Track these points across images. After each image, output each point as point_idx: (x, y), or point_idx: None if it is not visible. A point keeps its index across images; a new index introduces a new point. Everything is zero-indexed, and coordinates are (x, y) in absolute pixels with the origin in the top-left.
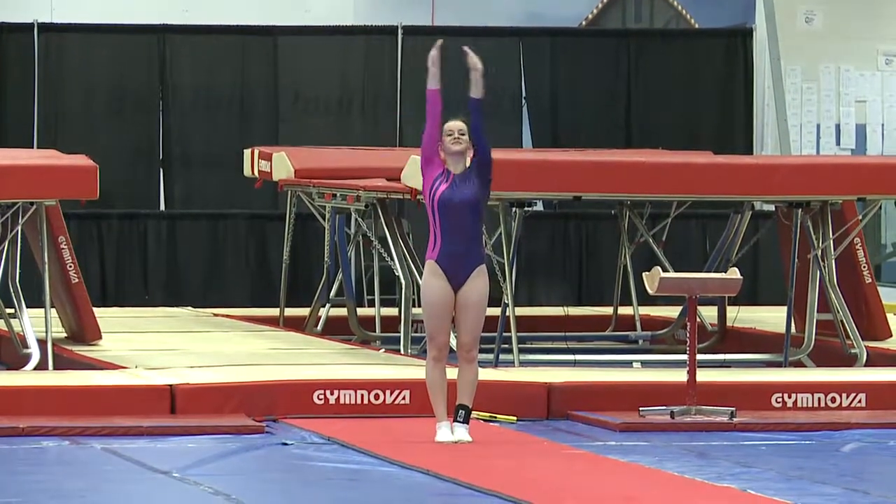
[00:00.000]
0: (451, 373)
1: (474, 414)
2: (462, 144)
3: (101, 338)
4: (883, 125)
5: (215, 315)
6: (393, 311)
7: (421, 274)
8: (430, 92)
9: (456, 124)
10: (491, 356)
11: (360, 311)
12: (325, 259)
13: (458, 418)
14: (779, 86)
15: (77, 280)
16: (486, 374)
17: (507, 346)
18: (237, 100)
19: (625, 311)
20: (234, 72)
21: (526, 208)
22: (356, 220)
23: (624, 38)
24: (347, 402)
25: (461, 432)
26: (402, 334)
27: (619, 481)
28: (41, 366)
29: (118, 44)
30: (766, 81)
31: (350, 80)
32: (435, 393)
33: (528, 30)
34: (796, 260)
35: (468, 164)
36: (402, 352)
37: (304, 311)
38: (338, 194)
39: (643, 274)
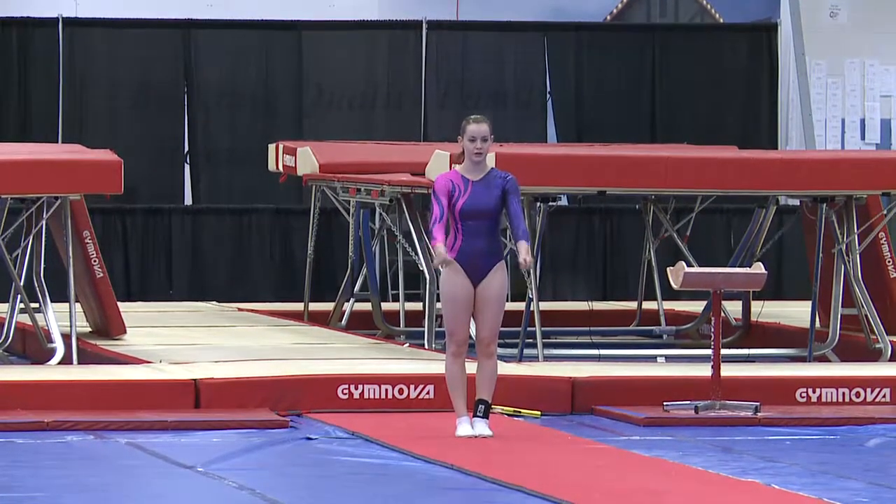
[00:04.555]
0: (471, 368)
1: (499, 409)
2: (482, 154)
3: (125, 332)
4: None
5: (240, 310)
6: (417, 306)
7: None
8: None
9: (480, 129)
10: (515, 351)
11: (385, 306)
12: (350, 254)
13: (478, 413)
14: (803, 80)
15: (102, 275)
16: (511, 369)
17: (531, 340)
18: (261, 94)
19: (649, 305)
20: (259, 66)
21: (550, 203)
22: (380, 214)
23: (649, 33)
24: (372, 396)
25: (481, 427)
26: (426, 329)
27: (643, 476)
28: (66, 360)
29: (142, 38)
30: (791, 76)
31: (374, 74)
32: (455, 388)
33: (553, 24)
34: (821, 255)
35: (487, 171)
36: (426, 346)
37: (328, 306)
38: (362, 189)
39: (667, 269)
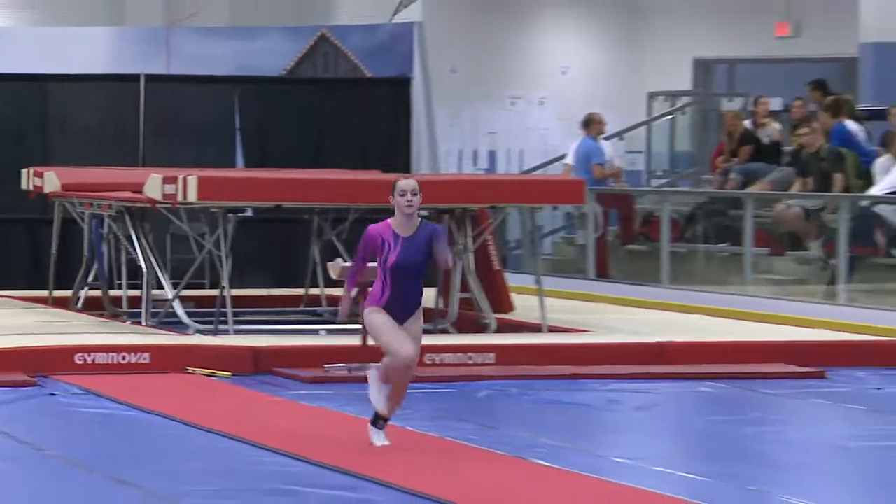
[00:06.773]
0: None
1: (199, 370)
2: (413, 206)
3: None
4: (508, 150)
5: None
6: (136, 293)
7: (158, 261)
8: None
9: (409, 184)
10: (212, 326)
11: (111, 293)
12: (85, 253)
13: (378, 426)
14: (431, 121)
15: None
16: (208, 340)
17: (224, 318)
18: (17, 130)
19: (314, 291)
20: (14, 109)
21: (239, 214)
22: (109, 223)
23: (315, 84)
24: (101, 362)
25: (381, 438)
26: (143, 310)
27: (309, 421)
28: None
29: None
30: (422, 117)
31: (105, 115)
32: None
33: (242, 77)
34: None
35: (417, 226)
36: (143, 323)
37: (68, 293)
38: (94, 203)
39: (327, 263)
